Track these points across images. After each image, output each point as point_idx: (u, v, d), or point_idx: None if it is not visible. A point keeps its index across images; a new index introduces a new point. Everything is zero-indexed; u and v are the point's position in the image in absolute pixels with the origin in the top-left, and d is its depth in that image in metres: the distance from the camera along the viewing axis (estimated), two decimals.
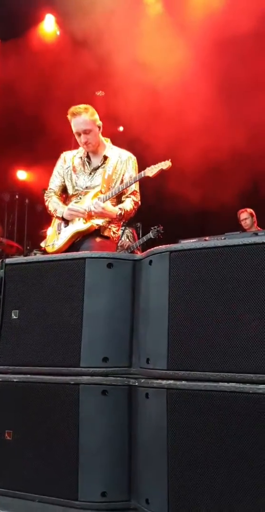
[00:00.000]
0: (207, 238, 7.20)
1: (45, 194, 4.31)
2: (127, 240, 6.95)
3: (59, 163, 4.27)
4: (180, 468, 1.82)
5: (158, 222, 6.89)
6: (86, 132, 3.97)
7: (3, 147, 8.60)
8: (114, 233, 4.07)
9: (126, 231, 6.84)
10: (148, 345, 1.99)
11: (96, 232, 3.98)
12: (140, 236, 7.55)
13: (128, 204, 4.01)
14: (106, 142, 4.19)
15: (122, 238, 6.60)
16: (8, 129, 8.40)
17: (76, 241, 3.98)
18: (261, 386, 1.73)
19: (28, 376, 2.18)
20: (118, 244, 4.30)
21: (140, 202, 4.08)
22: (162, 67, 6.70)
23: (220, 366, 1.79)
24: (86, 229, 3.94)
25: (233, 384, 1.77)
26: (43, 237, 7.31)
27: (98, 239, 3.94)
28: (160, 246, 2.01)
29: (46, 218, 7.66)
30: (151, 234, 6.63)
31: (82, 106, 3.99)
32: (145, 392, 1.96)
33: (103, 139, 4.16)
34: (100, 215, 3.94)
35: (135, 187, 4.02)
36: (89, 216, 3.95)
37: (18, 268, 2.31)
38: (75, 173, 4.16)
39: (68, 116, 4.03)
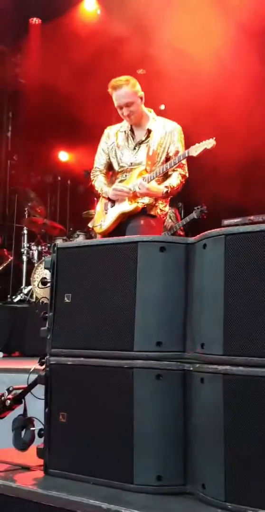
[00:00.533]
0: (251, 217, 7.12)
1: (91, 173, 4.28)
2: (170, 220, 6.90)
3: (103, 139, 4.20)
4: (237, 454, 1.81)
5: (199, 202, 6.82)
6: (128, 104, 3.92)
7: (45, 129, 8.64)
8: (161, 210, 4.01)
9: (169, 211, 6.79)
10: (202, 330, 1.98)
11: (143, 211, 3.93)
12: (182, 216, 7.50)
13: (174, 180, 3.92)
14: (150, 112, 4.08)
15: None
16: (49, 111, 8.42)
17: (123, 221, 3.95)
18: None
19: (82, 359, 2.19)
20: None
21: (187, 175, 3.98)
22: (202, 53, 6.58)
23: None
24: (132, 210, 3.91)
25: None
26: (86, 219, 7.37)
27: (144, 218, 3.89)
28: (215, 230, 1.98)
29: (88, 199, 7.71)
30: (194, 214, 6.59)
31: (123, 78, 3.94)
32: (200, 377, 1.95)
33: (146, 110, 4.06)
34: (146, 195, 3.90)
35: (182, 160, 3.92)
36: (134, 196, 3.90)
37: (70, 252, 2.32)
38: (119, 148, 4.08)
39: (109, 90, 3.95)
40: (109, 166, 4.23)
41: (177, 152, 3.92)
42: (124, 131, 4.12)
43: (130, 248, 2.14)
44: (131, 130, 4.09)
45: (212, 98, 6.47)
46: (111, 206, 4.04)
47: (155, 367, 2.03)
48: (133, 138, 4.08)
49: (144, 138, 4.03)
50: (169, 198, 4.10)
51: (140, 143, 4.04)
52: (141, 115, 4.03)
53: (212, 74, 6.55)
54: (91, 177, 4.29)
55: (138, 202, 3.91)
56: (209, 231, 2.00)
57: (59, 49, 7.94)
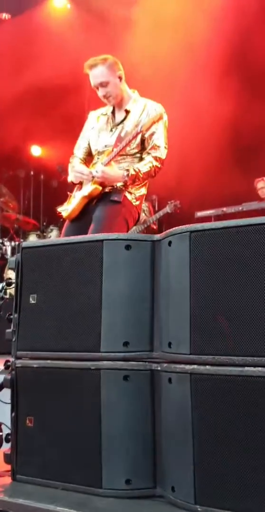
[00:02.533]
0: (224, 209, 7.09)
1: (69, 159, 4.11)
2: (143, 214, 6.85)
3: (85, 124, 4.04)
4: (206, 454, 1.77)
5: (173, 194, 6.78)
6: (103, 84, 3.68)
7: (16, 123, 8.52)
8: (131, 193, 3.69)
9: (142, 205, 6.72)
10: (169, 329, 1.93)
11: (107, 196, 3.67)
12: (156, 209, 7.46)
13: (144, 163, 3.65)
14: (133, 93, 3.84)
15: None
16: (20, 105, 8.30)
17: (91, 207, 3.75)
18: None
19: (48, 361, 2.14)
20: None
21: (163, 157, 3.68)
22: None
23: (245, 351, 1.72)
24: (91, 192, 3.64)
25: (260, 368, 1.70)
26: (59, 213, 7.24)
27: (109, 206, 3.61)
28: (180, 226, 1.93)
29: (62, 194, 7.61)
30: (167, 209, 6.56)
31: (100, 56, 3.69)
32: (168, 377, 1.91)
33: (129, 91, 3.82)
34: (102, 179, 3.70)
35: (157, 141, 3.68)
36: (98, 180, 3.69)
37: (35, 252, 2.25)
38: (98, 132, 3.92)
39: (86, 70, 3.71)
40: (89, 152, 4.04)
41: (153, 134, 3.63)
42: (106, 114, 3.95)
43: (96, 247, 2.09)
44: (113, 112, 3.85)
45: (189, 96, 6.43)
46: (79, 190, 3.87)
47: (122, 368, 1.99)
48: (113, 121, 3.88)
49: (120, 120, 3.77)
50: (145, 182, 3.75)
51: (117, 124, 3.86)
52: (121, 95, 3.75)
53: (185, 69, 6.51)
54: (69, 163, 4.10)
55: (96, 185, 3.71)
56: (174, 228, 1.95)
57: (30, 44, 7.83)
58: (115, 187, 3.63)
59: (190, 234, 1.86)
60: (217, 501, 1.74)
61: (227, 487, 1.73)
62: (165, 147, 3.72)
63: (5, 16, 8.83)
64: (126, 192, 3.64)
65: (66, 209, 3.84)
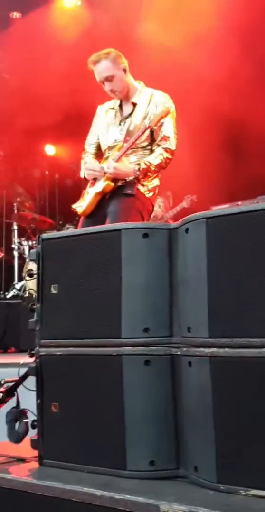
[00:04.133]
0: (239, 203, 7.15)
1: (81, 155, 4.13)
2: (159, 210, 6.90)
3: (94, 119, 4.03)
4: (227, 435, 1.82)
5: (188, 189, 6.82)
6: (109, 79, 3.70)
7: (31, 123, 8.59)
8: (144, 185, 3.72)
9: (158, 200, 6.79)
10: (188, 314, 1.99)
11: (120, 190, 3.70)
12: (171, 205, 7.51)
13: (154, 156, 3.67)
14: (139, 84, 3.84)
15: (155, 208, 6.57)
16: (34, 104, 8.38)
17: (105, 202, 3.78)
18: None
19: (71, 349, 2.20)
20: (151, 216, 4.09)
21: (173, 148, 3.71)
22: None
23: (263, 332, 1.76)
24: (104, 188, 3.69)
25: None
26: (75, 212, 7.31)
27: (123, 200, 3.66)
28: (196, 213, 1.98)
29: (77, 192, 7.68)
30: (184, 203, 6.59)
31: (103, 51, 3.70)
32: (188, 361, 1.96)
33: (134, 82, 3.83)
34: (115, 175, 3.67)
35: (166, 132, 3.70)
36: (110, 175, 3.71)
37: (55, 243, 2.32)
38: (107, 126, 3.91)
39: (90, 66, 3.72)
40: (99, 147, 4.05)
41: (161, 125, 3.66)
42: (114, 107, 3.92)
43: (114, 236, 2.15)
44: (120, 105, 3.88)
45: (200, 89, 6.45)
46: (92, 186, 3.89)
47: (143, 353, 2.04)
48: (121, 114, 3.87)
49: (129, 112, 3.82)
50: (157, 174, 3.79)
51: (125, 118, 3.82)
52: (127, 88, 3.79)
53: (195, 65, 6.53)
54: (81, 160, 4.13)
55: (108, 181, 3.73)
56: (191, 215, 2.00)
57: (41, 43, 7.89)
58: (127, 180, 3.67)
59: (206, 220, 1.91)
60: (239, 479, 1.78)
61: (248, 465, 1.78)
62: (175, 137, 3.73)
63: (15, 15, 8.91)
64: (139, 184, 3.68)
65: (81, 206, 3.90)
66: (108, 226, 2.29)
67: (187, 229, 2.00)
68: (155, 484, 1.95)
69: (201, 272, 1.91)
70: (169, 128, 3.72)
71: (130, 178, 3.67)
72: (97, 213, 3.78)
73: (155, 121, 3.58)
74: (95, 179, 3.86)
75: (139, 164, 3.64)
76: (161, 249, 2.10)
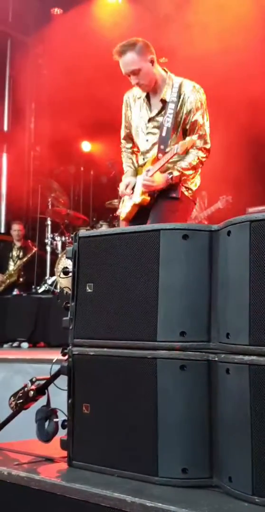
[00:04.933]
0: None
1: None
2: (194, 210, 6.81)
3: (123, 109, 3.84)
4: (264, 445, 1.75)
5: (223, 190, 6.73)
6: (135, 72, 3.47)
7: (68, 120, 8.61)
8: (188, 188, 3.66)
9: None
10: (227, 319, 1.92)
11: (165, 193, 3.64)
12: (206, 205, 7.43)
13: (189, 159, 3.58)
14: (166, 74, 3.63)
15: None
16: (71, 101, 8.39)
17: (149, 204, 3.71)
18: None
19: (105, 349, 2.16)
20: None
21: (208, 145, 3.60)
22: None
23: None
24: (140, 203, 3.67)
25: None
26: (109, 209, 7.32)
27: (167, 203, 3.61)
28: (239, 216, 1.92)
29: (111, 189, 7.67)
30: (219, 204, 6.51)
31: (129, 41, 3.47)
32: (226, 368, 1.90)
33: (162, 71, 3.62)
34: (151, 189, 3.62)
35: (201, 129, 3.57)
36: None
37: (91, 241, 2.28)
38: (135, 120, 3.73)
39: (115, 58, 3.50)
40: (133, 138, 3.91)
41: (195, 122, 3.53)
42: (140, 97, 3.70)
43: (153, 237, 2.09)
44: (147, 96, 3.68)
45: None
46: (132, 193, 3.87)
47: (178, 358, 1.98)
48: (149, 108, 3.69)
49: (157, 111, 3.65)
50: (197, 172, 3.69)
51: (154, 116, 3.67)
52: (154, 79, 3.56)
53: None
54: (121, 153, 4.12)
55: (146, 194, 3.71)
56: (234, 217, 1.94)
57: (80, 39, 7.88)
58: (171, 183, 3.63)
59: (250, 224, 1.84)
60: None
61: None
62: (209, 133, 3.62)
63: (57, 11, 8.93)
64: (183, 187, 3.63)
65: (121, 211, 3.89)
66: (147, 226, 2.24)
67: (229, 232, 1.94)
68: (187, 493, 1.89)
69: (243, 276, 1.84)
70: (203, 124, 3.58)
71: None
72: (139, 217, 3.75)
73: (188, 124, 3.54)
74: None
75: (171, 173, 3.57)
76: (200, 251, 2.03)
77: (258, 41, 6.37)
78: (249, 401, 1.79)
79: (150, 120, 3.68)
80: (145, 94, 3.70)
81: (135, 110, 3.75)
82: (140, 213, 3.76)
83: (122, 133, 3.97)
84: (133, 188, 3.80)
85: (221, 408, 1.93)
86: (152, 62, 3.52)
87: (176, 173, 3.56)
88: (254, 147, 6.75)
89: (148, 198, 3.66)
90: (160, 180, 3.58)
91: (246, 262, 1.84)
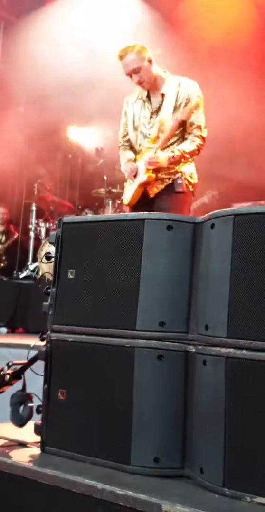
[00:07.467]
0: (262, 202, 7.01)
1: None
2: None
3: (123, 110, 4.15)
4: (237, 439, 1.76)
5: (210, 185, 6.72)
6: (136, 71, 3.84)
7: (57, 106, 8.55)
8: (189, 182, 3.92)
9: None
10: (207, 312, 1.92)
11: (170, 187, 3.88)
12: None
13: (187, 144, 3.87)
14: (165, 73, 3.98)
15: None
16: (60, 87, 8.32)
17: (155, 197, 3.89)
18: None
19: (83, 336, 2.15)
20: None
21: (205, 134, 3.89)
22: None
23: None
24: (146, 181, 3.88)
25: None
26: (95, 198, 7.29)
27: (174, 197, 3.86)
28: (223, 209, 1.92)
29: (98, 178, 7.63)
30: (205, 198, 6.52)
31: (128, 45, 3.86)
32: (203, 359, 1.90)
33: (160, 71, 3.97)
34: (154, 166, 3.86)
35: (197, 121, 3.86)
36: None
37: (76, 227, 2.27)
38: (136, 118, 4.05)
39: (118, 61, 3.88)
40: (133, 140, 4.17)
41: (192, 112, 3.82)
42: (141, 97, 4.04)
43: (137, 225, 2.09)
44: (148, 96, 4.01)
45: None
46: (135, 177, 4.03)
47: (156, 347, 1.99)
48: (150, 105, 4.00)
49: (158, 105, 3.95)
50: (193, 165, 4.01)
51: (156, 111, 3.96)
52: (154, 78, 3.93)
53: None
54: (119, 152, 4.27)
55: (150, 172, 3.88)
56: (218, 210, 1.94)
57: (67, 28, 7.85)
58: (175, 177, 3.78)
59: (234, 218, 1.85)
60: (246, 485, 1.73)
61: (256, 472, 1.72)
62: (205, 126, 3.90)
63: None
64: (186, 181, 3.87)
65: (125, 197, 4.04)
66: (132, 214, 2.23)
67: (212, 225, 1.94)
68: (158, 482, 1.89)
69: (224, 269, 1.84)
70: (200, 117, 3.87)
71: (176, 174, 3.84)
72: (142, 208, 3.83)
73: (186, 113, 3.71)
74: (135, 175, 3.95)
75: (173, 151, 3.82)
76: (184, 243, 2.03)
77: None
78: (224, 393, 1.80)
79: (152, 115, 3.89)
80: (145, 94, 3.99)
81: (136, 111, 4.03)
82: (143, 202, 3.89)
83: (120, 132, 4.15)
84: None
85: (196, 399, 1.93)
86: (150, 61, 3.88)
87: (177, 153, 3.83)
88: (246, 142, 6.75)
89: (153, 176, 3.87)
90: (163, 157, 3.82)
91: (227, 255, 1.84)
